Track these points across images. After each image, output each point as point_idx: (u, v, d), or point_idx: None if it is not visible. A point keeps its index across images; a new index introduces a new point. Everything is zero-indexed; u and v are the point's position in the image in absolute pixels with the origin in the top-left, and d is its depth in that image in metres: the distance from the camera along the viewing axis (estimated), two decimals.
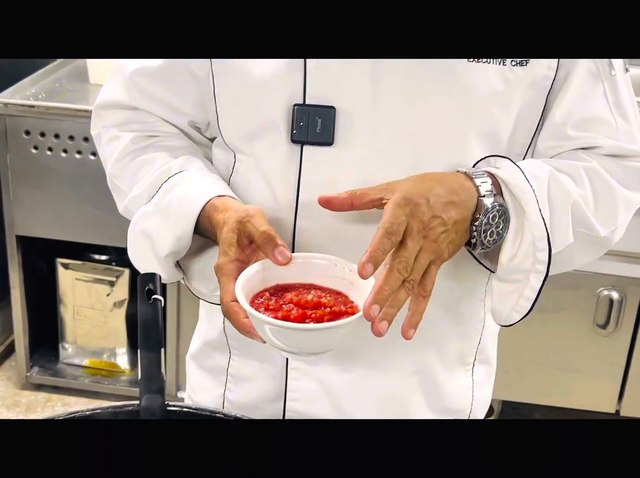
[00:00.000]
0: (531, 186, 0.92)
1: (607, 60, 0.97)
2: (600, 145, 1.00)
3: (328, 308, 0.85)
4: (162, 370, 0.89)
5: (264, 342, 0.85)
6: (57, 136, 2.36)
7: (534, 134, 0.99)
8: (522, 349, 2.38)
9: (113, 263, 2.62)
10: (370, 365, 1.04)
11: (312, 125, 0.95)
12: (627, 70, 1.00)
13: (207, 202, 0.96)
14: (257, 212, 0.91)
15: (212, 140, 1.10)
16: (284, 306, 0.85)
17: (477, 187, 0.90)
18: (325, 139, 0.95)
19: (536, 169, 0.96)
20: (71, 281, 2.62)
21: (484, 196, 0.90)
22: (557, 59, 0.94)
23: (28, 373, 2.69)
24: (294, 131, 0.95)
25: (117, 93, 1.06)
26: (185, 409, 0.87)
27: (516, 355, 2.37)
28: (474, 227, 0.90)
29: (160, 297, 0.95)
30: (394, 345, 0.97)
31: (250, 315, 0.84)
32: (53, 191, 2.43)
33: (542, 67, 0.94)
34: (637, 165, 1.02)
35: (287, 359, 1.05)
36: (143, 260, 1.02)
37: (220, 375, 1.13)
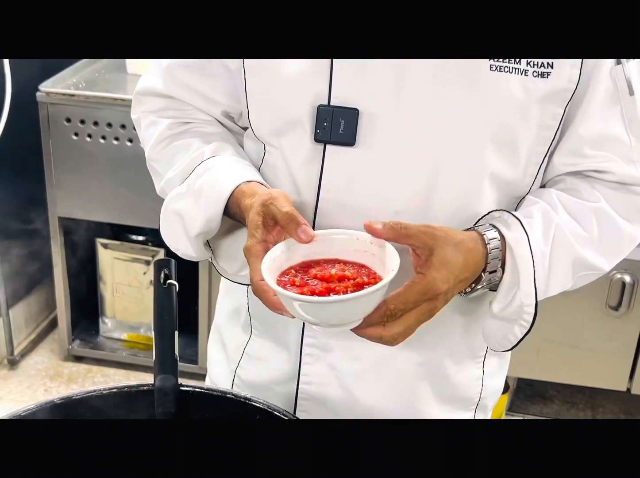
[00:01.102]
0: (532, 255, 0.93)
1: (625, 78, 0.95)
2: (611, 171, 0.99)
3: (351, 281, 0.85)
4: (176, 352, 0.91)
5: (293, 317, 0.86)
6: (96, 123, 2.38)
7: (550, 145, 0.97)
8: (537, 329, 2.31)
9: (149, 243, 2.64)
10: (380, 355, 1.04)
11: (335, 126, 0.94)
12: None
13: (236, 188, 0.96)
14: (280, 194, 0.91)
15: (244, 129, 1.10)
16: (309, 282, 0.85)
17: (487, 255, 0.92)
18: (348, 140, 0.95)
19: (545, 227, 0.96)
20: (110, 260, 2.65)
21: (489, 263, 0.93)
22: (578, 73, 0.92)
23: (70, 346, 2.73)
24: (318, 131, 0.95)
25: (155, 82, 1.07)
26: (197, 389, 0.89)
27: (531, 334, 2.36)
28: (470, 286, 0.94)
29: (175, 282, 0.97)
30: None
31: (277, 293, 0.84)
32: (92, 175, 2.45)
33: (562, 80, 0.92)
34: None
35: (301, 345, 1.06)
36: (174, 238, 1.02)
37: (236, 352, 1.14)
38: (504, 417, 2.60)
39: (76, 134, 2.41)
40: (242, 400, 0.89)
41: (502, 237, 0.93)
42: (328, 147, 0.96)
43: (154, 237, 2.63)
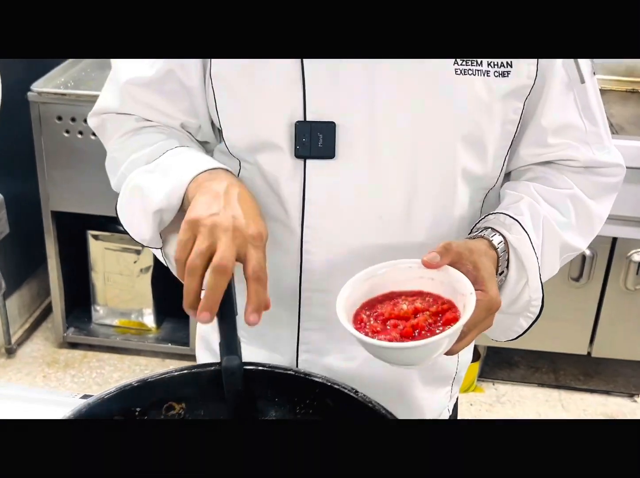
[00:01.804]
0: (535, 252, 0.95)
1: (576, 67, 0.98)
2: (575, 158, 1.03)
3: (427, 312, 0.83)
4: (238, 333, 0.96)
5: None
6: (86, 121, 2.40)
7: (513, 138, 0.99)
8: None
9: None
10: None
11: (315, 140, 0.93)
12: (594, 73, 1.01)
13: (206, 171, 0.90)
14: (264, 235, 0.84)
15: (203, 143, 1.07)
16: (387, 325, 0.83)
17: (498, 259, 0.94)
18: (328, 153, 0.94)
19: (534, 221, 0.98)
20: (101, 250, 2.69)
21: (499, 266, 0.94)
22: (535, 69, 0.94)
23: (65, 333, 2.76)
24: (297, 147, 0.94)
25: (111, 101, 1.04)
26: (260, 368, 0.94)
27: None
28: None
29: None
30: None
31: (370, 344, 0.81)
32: (83, 170, 2.47)
33: (522, 77, 0.94)
34: (605, 181, 1.06)
35: (297, 350, 1.07)
36: (130, 213, 0.95)
37: None
38: (475, 384, 2.75)
39: (67, 132, 2.43)
40: (302, 375, 0.92)
41: (504, 239, 0.95)
42: (308, 161, 0.95)
43: None
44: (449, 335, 0.80)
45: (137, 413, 0.95)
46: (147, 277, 2.72)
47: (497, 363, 2.81)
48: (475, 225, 1.00)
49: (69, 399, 1.14)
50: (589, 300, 2.52)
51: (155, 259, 2.61)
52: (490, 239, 0.94)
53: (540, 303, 0.98)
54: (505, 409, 2.65)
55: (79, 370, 2.70)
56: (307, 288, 1.04)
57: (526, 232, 0.97)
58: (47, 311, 2.88)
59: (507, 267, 0.96)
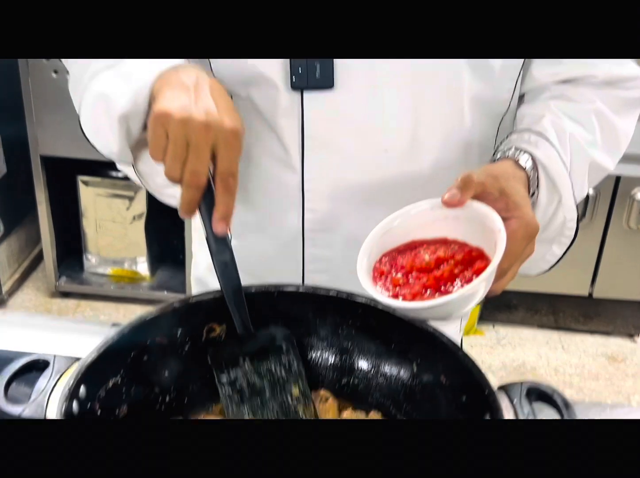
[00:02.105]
0: (567, 169, 0.90)
1: None
2: (593, 75, 0.97)
3: (451, 261, 0.77)
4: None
5: None
6: None
7: (523, 63, 0.95)
8: None
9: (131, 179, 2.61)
10: None
11: (311, 71, 0.89)
12: None
13: (173, 67, 0.80)
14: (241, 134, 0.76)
15: None
16: (410, 280, 0.78)
17: (528, 179, 0.88)
18: (326, 84, 0.90)
19: (560, 139, 0.92)
20: (92, 197, 2.61)
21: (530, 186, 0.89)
22: None
23: (57, 283, 2.71)
24: (293, 78, 0.90)
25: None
26: (301, 290, 0.90)
27: None
28: None
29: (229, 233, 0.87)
30: None
31: (397, 307, 0.77)
32: (72, 113, 2.32)
33: None
34: (628, 94, 0.99)
35: (303, 273, 1.04)
36: (96, 124, 0.86)
37: None
38: (475, 327, 2.73)
39: (55, 72, 2.34)
40: (344, 297, 0.89)
41: (531, 157, 0.89)
42: (305, 94, 0.91)
43: None
44: (474, 287, 0.73)
45: (178, 335, 0.92)
46: (140, 224, 2.66)
47: (497, 306, 2.79)
48: (496, 149, 0.93)
49: (100, 328, 1.09)
50: (591, 240, 2.51)
51: (149, 206, 2.64)
52: (516, 158, 0.88)
53: (575, 225, 0.93)
54: (506, 351, 2.64)
55: (71, 320, 2.64)
56: (310, 229, 1.00)
57: (554, 148, 0.91)
58: (37, 261, 2.83)
59: (537, 187, 0.90)
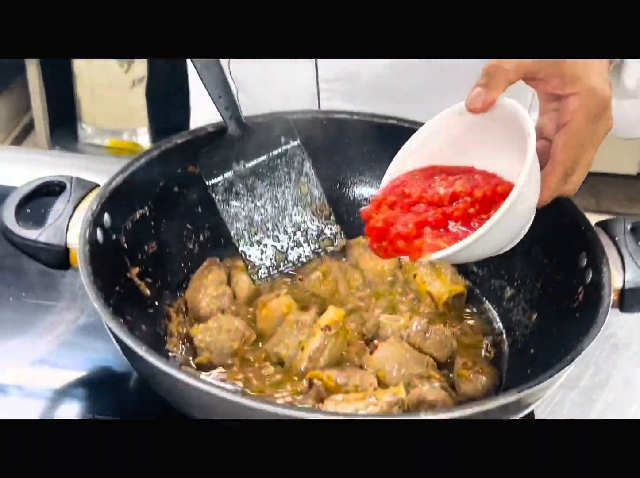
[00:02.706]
0: None
1: None
2: None
3: (468, 198, 0.66)
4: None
5: None
6: None
7: None
8: None
9: None
10: None
11: None
12: None
13: None
14: None
15: None
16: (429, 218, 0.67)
17: None
18: None
19: None
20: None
21: None
22: None
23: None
24: None
25: None
26: (355, 116, 0.90)
27: None
28: None
29: None
30: None
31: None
32: None
33: None
34: None
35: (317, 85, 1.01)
36: None
37: None
38: None
39: None
40: (406, 125, 0.83)
41: None
42: None
43: None
44: (486, 231, 0.61)
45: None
46: (141, 90, 2.48)
47: None
48: None
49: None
50: None
51: (150, 69, 2.44)
52: None
53: None
54: None
55: None
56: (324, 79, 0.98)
57: None
58: (27, 130, 2.66)
59: None
